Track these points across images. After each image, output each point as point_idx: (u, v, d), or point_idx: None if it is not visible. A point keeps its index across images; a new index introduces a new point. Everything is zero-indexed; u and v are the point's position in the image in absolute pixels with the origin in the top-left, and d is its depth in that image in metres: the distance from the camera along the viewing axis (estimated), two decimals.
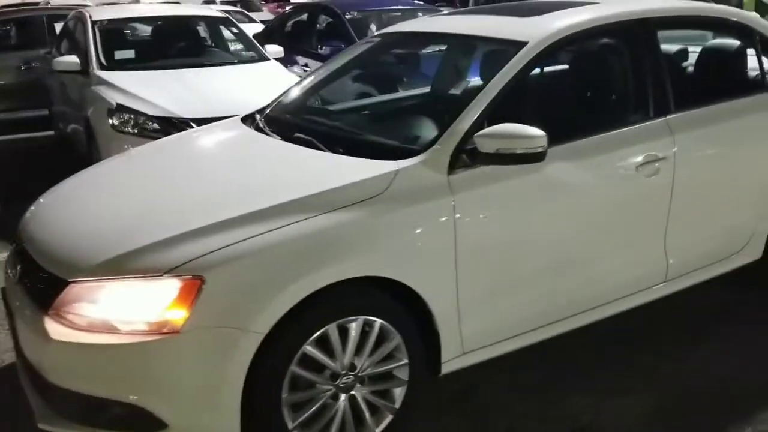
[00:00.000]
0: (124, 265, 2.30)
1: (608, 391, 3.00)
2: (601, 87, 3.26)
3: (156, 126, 5.31)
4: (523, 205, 2.78)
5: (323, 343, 2.42)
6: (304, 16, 8.93)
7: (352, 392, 2.53)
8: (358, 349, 2.50)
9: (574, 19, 3.07)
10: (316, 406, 2.46)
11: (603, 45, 3.25)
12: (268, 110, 3.62)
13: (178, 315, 2.21)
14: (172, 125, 5.27)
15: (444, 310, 2.62)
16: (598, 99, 3.26)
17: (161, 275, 2.24)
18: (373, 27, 8.10)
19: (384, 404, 2.61)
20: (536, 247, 2.84)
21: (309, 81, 3.81)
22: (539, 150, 2.55)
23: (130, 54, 6.28)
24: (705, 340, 3.41)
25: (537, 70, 2.89)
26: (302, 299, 2.31)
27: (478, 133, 2.60)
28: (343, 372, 2.48)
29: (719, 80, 3.59)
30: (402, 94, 3.64)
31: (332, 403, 2.50)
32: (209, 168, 2.99)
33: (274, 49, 6.86)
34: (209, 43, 7.00)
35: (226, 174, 2.86)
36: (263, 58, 6.62)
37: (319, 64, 7.48)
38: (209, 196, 2.64)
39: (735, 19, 3.61)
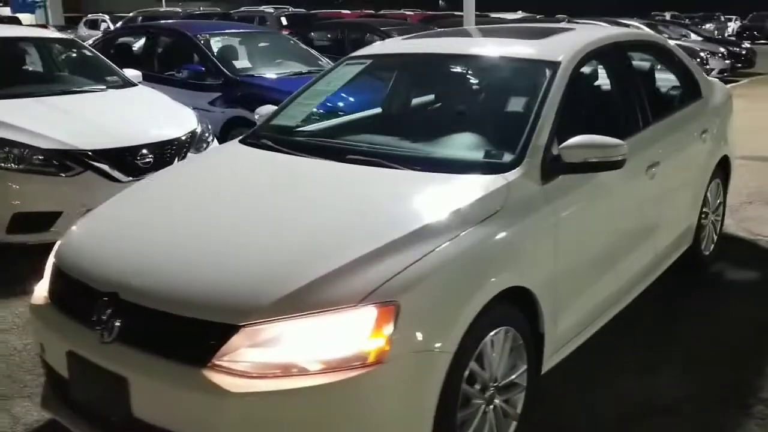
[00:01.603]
0: (307, 299, 2.10)
1: (640, 370, 3.36)
2: (611, 99, 3.64)
3: (48, 161, 4.67)
4: (593, 205, 3.06)
5: (479, 358, 2.43)
6: (134, 40, 8.34)
7: (494, 403, 2.56)
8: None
9: (586, 40, 3.43)
10: (476, 421, 2.46)
11: (604, 63, 3.64)
12: (271, 134, 3.45)
13: (378, 345, 2.09)
14: (69, 158, 4.70)
15: (549, 310, 2.76)
16: (612, 109, 3.63)
17: (356, 305, 2.10)
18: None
19: (513, 412, 2.67)
20: (602, 242, 3.16)
21: (304, 102, 3.69)
22: (621, 158, 2.82)
23: None
24: (677, 318, 3.95)
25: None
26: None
27: (564, 144, 2.81)
28: (491, 384, 2.52)
29: (671, 92, 4.22)
30: (427, 110, 3.64)
31: (483, 417, 2.51)
32: (299, 194, 2.78)
33: (132, 74, 6.36)
34: (61, 67, 6.26)
35: (331, 199, 2.70)
36: (128, 82, 6.11)
37: (171, 88, 7.09)
38: (340, 222, 2.49)
39: (661, 43, 4.28)
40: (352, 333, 2.10)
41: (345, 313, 2.10)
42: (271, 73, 7.21)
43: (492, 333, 2.45)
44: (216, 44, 7.36)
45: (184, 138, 5.24)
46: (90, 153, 4.74)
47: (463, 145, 3.04)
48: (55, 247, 2.77)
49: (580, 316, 3.04)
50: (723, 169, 4.63)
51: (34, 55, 6.07)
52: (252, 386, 2.05)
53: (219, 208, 2.72)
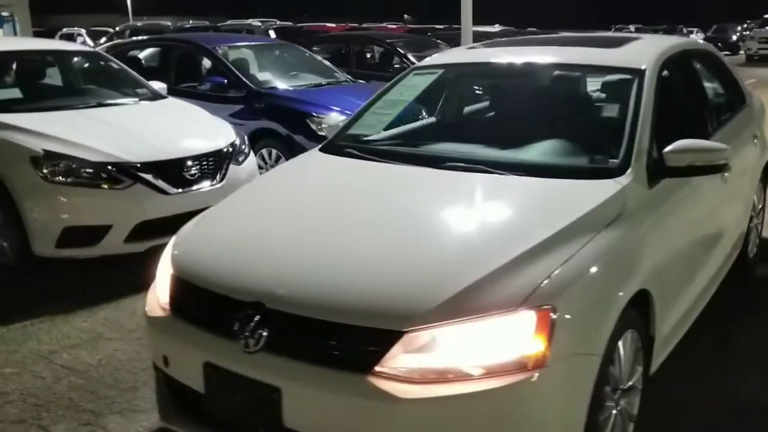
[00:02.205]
0: (466, 304, 2.12)
1: (722, 370, 3.43)
2: (684, 104, 3.70)
3: (97, 173, 4.60)
4: (689, 208, 3.14)
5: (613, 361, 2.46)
6: (145, 52, 8.27)
7: (620, 405, 2.59)
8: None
9: (661, 47, 3.51)
10: (611, 424, 2.48)
11: (677, 69, 3.70)
12: (354, 143, 3.46)
13: (538, 349, 2.10)
14: (119, 171, 4.64)
15: (660, 311, 2.81)
16: (686, 114, 3.69)
17: (515, 309, 2.12)
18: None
19: (632, 414, 2.70)
20: (695, 244, 3.21)
21: (380, 112, 3.71)
22: (724, 162, 2.89)
23: (13, 93, 5.30)
24: (738, 318, 4.03)
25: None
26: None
27: (669, 149, 2.87)
28: (619, 387, 2.54)
29: (723, 99, 4.32)
30: (515, 118, 3.63)
31: (614, 420, 2.53)
32: (420, 201, 2.79)
33: (158, 86, 6.30)
34: (90, 79, 6.17)
35: (454, 205, 2.72)
36: (158, 95, 6.04)
37: (191, 101, 7.03)
38: (475, 228, 2.52)
39: (713, 51, 4.39)
40: (513, 337, 2.11)
41: (505, 317, 2.11)
42: (293, 85, 7.21)
43: (622, 336, 2.49)
44: (235, 56, 7.33)
45: (225, 150, 5.23)
46: (139, 165, 4.69)
47: (563, 150, 3.08)
48: (168, 258, 2.73)
49: (678, 317, 3.10)
50: (765, 174, 4.76)
51: (62, 67, 5.97)
52: (419, 392, 2.05)
53: (343, 216, 2.72)
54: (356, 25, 19.66)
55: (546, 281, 2.19)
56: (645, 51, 3.47)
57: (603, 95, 3.44)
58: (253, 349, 2.24)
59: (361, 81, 8.00)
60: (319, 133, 6.44)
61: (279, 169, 3.41)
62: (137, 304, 4.30)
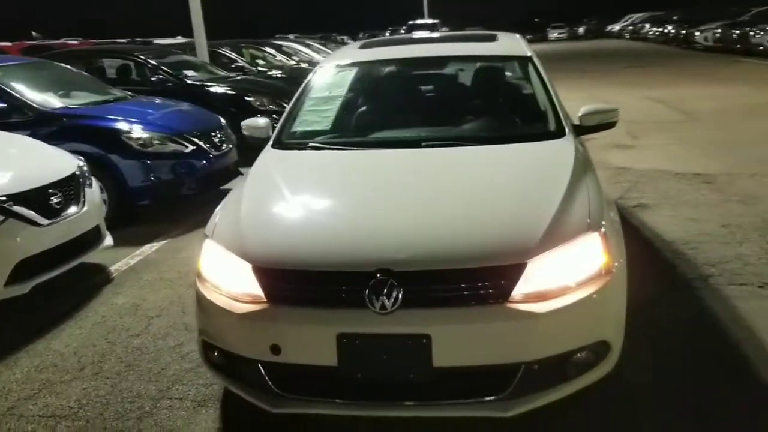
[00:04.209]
0: (556, 235, 2.68)
1: None
2: None
3: None
4: None
5: None
6: None
7: None
8: None
9: (522, 40, 4.42)
10: None
11: None
12: (312, 139, 3.74)
13: (605, 260, 2.75)
14: None
15: None
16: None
17: (587, 233, 2.74)
18: None
19: None
20: None
21: (316, 108, 3.98)
22: (617, 119, 3.85)
23: None
24: None
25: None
26: None
27: (583, 112, 3.76)
28: None
29: None
30: (449, 102, 4.07)
31: None
32: (442, 171, 3.22)
33: None
34: None
35: (472, 170, 3.24)
36: None
37: None
38: (510, 184, 3.07)
39: None
40: (593, 253, 2.73)
41: (584, 239, 2.73)
42: (80, 104, 6.75)
43: None
44: (2, 78, 6.56)
45: (78, 173, 4.87)
46: (5, 198, 4.19)
47: (508, 122, 3.78)
48: (226, 254, 2.79)
49: None
50: None
51: None
52: (547, 306, 2.56)
53: (398, 188, 3.12)
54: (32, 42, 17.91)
55: (593, 211, 2.86)
56: (516, 43, 4.34)
57: (513, 78, 4.21)
58: (390, 309, 2.52)
59: (141, 96, 7.74)
60: (136, 148, 6.23)
61: (262, 168, 3.51)
62: (56, 344, 3.94)
